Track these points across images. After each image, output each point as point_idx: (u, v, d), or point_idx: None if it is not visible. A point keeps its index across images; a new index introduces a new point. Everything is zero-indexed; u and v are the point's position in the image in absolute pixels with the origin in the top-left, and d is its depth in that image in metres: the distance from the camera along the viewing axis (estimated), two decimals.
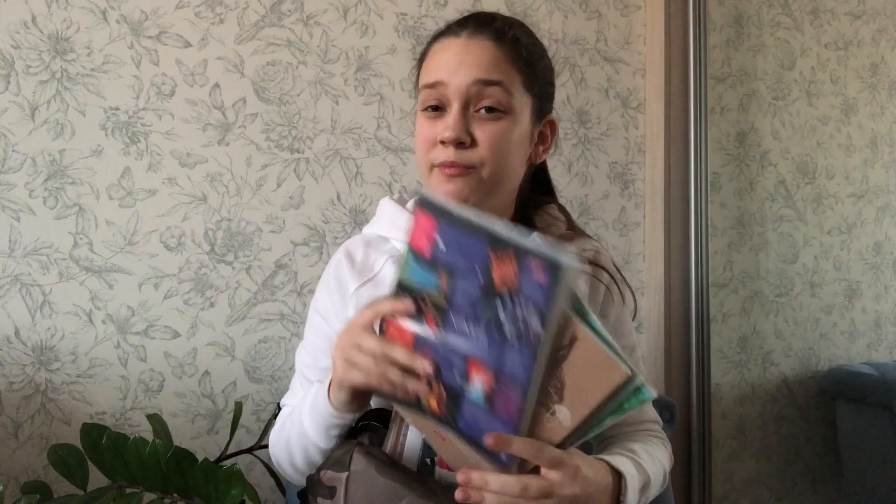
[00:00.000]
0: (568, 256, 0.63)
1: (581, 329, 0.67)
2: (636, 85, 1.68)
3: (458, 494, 0.70)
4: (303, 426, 0.87)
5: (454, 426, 0.72)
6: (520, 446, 0.70)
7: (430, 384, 0.72)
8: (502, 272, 0.66)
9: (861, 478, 1.77)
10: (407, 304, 0.72)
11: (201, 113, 1.31)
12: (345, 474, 0.78)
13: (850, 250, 1.92)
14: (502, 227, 0.67)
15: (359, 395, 0.79)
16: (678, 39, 1.65)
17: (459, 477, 0.71)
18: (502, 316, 0.67)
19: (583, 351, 0.68)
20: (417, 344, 0.72)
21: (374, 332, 0.74)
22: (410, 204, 0.98)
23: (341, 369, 0.77)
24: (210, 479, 1.00)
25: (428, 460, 0.81)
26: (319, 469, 0.82)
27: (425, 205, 0.72)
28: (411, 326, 0.73)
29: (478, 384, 0.69)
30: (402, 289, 0.73)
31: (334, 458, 0.80)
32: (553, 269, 0.63)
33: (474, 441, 0.71)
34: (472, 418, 0.70)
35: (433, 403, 0.72)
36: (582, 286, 0.95)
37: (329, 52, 1.40)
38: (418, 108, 0.89)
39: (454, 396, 0.71)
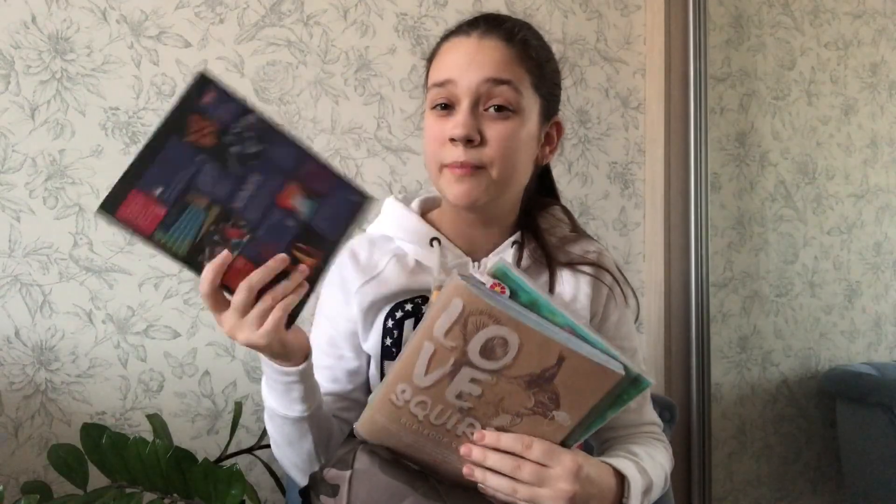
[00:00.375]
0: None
1: (565, 348, 0.67)
2: (636, 85, 1.68)
3: (464, 470, 0.74)
4: (271, 408, 0.86)
5: (332, 247, 0.74)
6: (508, 441, 0.72)
7: (294, 259, 0.73)
8: (196, 131, 0.69)
9: (861, 478, 1.77)
10: (214, 262, 0.71)
11: None
12: (348, 472, 0.78)
13: (850, 250, 1.92)
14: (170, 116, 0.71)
15: (284, 345, 0.78)
16: (678, 39, 1.65)
17: (462, 450, 0.74)
18: (232, 150, 0.70)
19: (571, 367, 0.68)
20: (250, 257, 0.73)
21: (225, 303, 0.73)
22: (415, 204, 0.99)
23: (244, 341, 0.75)
24: (210, 479, 1.00)
25: None
26: (323, 467, 0.82)
27: (112, 203, 0.70)
28: (239, 260, 0.73)
29: (298, 203, 0.72)
30: (192, 255, 0.72)
31: (338, 457, 0.80)
32: (198, 83, 0.68)
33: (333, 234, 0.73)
34: (330, 223, 0.73)
35: (308, 261, 0.74)
36: (585, 287, 0.95)
37: (329, 52, 1.40)
38: (426, 107, 0.89)
39: (308, 233, 0.73)
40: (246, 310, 0.72)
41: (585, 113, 1.63)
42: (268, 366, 0.81)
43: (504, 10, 1.52)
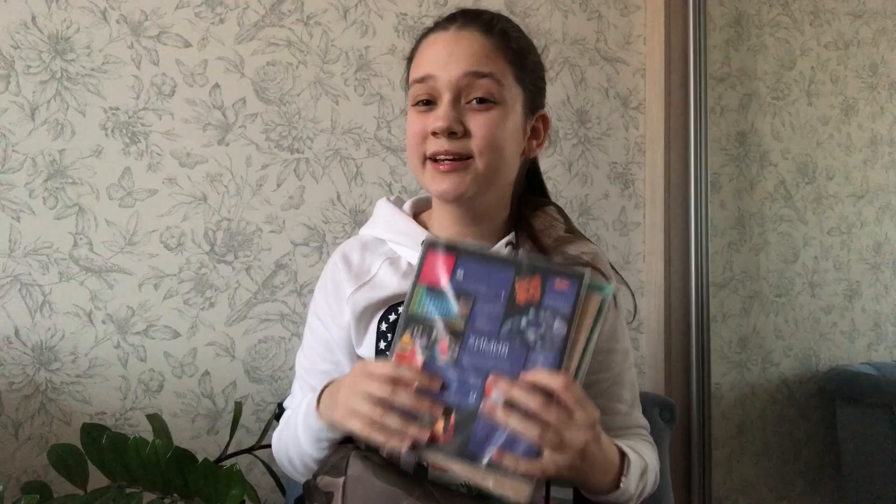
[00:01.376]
0: (583, 269, 0.74)
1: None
2: (636, 85, 1.68)
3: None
4: (297, 435, 0.88)
5: (462, 450, 0.72)
6: (547, 377, 0.70)
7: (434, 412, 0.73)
8: (526, 291, 0.73)
9: (861, 478, 1.77)
10: (411, 371, 0.73)
11: (201, 113, 1.31)
12: (341, 479, 0.77)
13: (850, 250, 1.92)
14: (525, 257, 0.78)
15: None
16: (678, 39, 1.65)
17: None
18: (525, 326, 0.73)
19: None
20: (427, 367, 0.74)
21: (382, 382, 0.73)
22: (407, 205, 0.98)
23: (341, 415, 0.76)
24: (210, 479, 1.00)
25: (424, 462, 0.81)
26: (316, 475, 0.82)
27: (441, 247, 0.77)
28: (422, 355, 0.75)
29: (496, 398, 0.71)
30: (412, 321, 0.76)
31: (331, 464, 0.80)
32: (574, 277, 0.73)
33: (480, 454, 0.71)
34: (485, 433, 0.71)
35: (438, 432, 0.72)
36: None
37: (329, 52, 1.40)
38: (409, 104, 0.89)
39: (467, 416, 0.72)
40: (366, 397, 0.73)
41: (585, 113, 1.63)
42: (311, 414, 0.83)
43: (504, 11, 1.52)
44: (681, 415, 1.57)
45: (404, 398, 0.71)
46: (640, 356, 1.67)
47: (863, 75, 1.95)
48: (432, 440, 0.71)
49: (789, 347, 1.85)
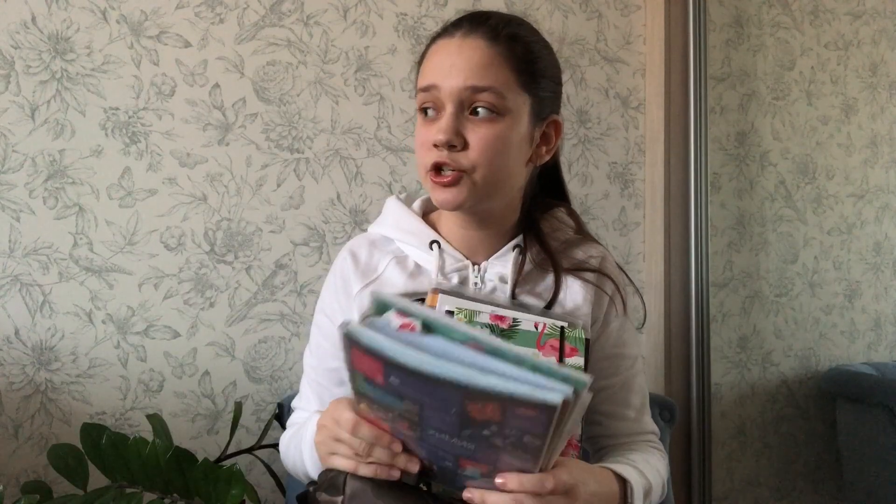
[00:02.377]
0: (559, 390, 0.55)
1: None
2: (636, 85, 1.68)
3: None
4: (303, 460, 0.88)
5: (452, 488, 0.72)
6: (526, 482, 0.67)
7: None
8: (481, 412, 0.59)
9: (861, 478, 1.77)
10: (371, 434, 0.70)
11: (201, 113, 1.31)
12: (340, 498, 0.76)
13: (850, 250, 1.92)
14: (472, 374, 0.56)
15: None
16: (678, 39, 1.65)
17: (465, 495, 0.71)
18: (489, 434, 0.61)
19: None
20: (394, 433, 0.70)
21: (352, 429, 0.72)
22: (417, 204, 0.98)
23: (323, 457, 0.77)
24: (210, 479, 1.00)
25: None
26: (316, 490, 0.81)
27: (364, 348, 0.59)
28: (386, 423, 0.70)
29: (472, 470, 0.69)
30: (362, 398, 0.68)
31: (329, 481, 0.79)
32: (543, 407, 0.56)
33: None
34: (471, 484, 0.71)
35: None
36: (588, 293, 0.94)
37: (329, 52, 1.40)
38: (417, 111, 0.89)
39: (448, 471, 0.70)
40: (342, 442, 0.73)
41: (585, 113, 1.63)
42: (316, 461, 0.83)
43: (504, 10, 1.52)
44: (681, 415, 1.57)
45: (380, 456, 0.71)
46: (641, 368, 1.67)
47: (863, 75, 1.95)
48: (424, 471, 0.72)
49: (789, 347, 1.85)
